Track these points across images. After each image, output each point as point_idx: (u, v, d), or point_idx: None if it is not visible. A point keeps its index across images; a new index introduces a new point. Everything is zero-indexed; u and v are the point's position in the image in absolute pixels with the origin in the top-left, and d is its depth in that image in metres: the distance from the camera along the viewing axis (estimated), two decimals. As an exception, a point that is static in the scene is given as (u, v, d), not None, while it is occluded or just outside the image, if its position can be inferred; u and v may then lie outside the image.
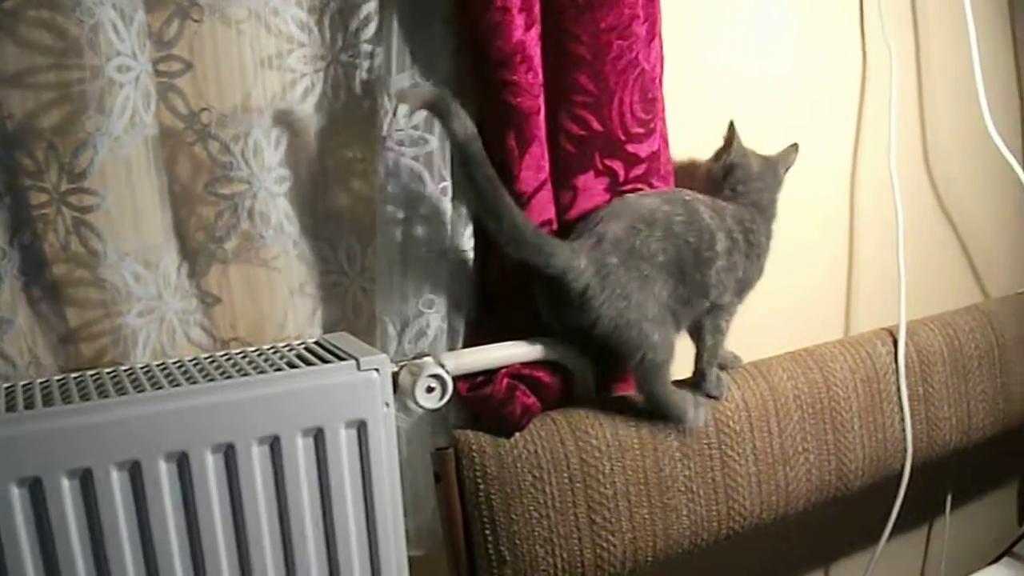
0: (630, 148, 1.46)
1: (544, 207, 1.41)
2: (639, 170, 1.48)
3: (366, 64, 1.36)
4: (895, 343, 1.83)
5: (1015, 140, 2.22)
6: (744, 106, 1.78)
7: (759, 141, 1.79)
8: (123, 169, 1.24)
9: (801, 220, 1.90)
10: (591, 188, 1.45)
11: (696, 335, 1.57)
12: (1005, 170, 2.04)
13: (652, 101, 1.48)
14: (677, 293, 1.44)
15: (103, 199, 1.22)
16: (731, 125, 1.61)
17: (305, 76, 1.34)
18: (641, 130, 1.46)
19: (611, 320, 1.39)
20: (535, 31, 1.35)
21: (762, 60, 1.81)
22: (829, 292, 2.00)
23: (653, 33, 1.47)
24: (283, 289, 1.37)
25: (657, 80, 1.49)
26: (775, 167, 1.64)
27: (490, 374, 1.42)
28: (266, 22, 1.29)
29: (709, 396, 1.57)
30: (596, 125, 1.43)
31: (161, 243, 1.30)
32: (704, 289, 1.47)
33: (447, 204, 1.39)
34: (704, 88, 1.74)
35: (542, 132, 1.39)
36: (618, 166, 1.46)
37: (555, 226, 1.43)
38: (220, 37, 1.27)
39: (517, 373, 1.43)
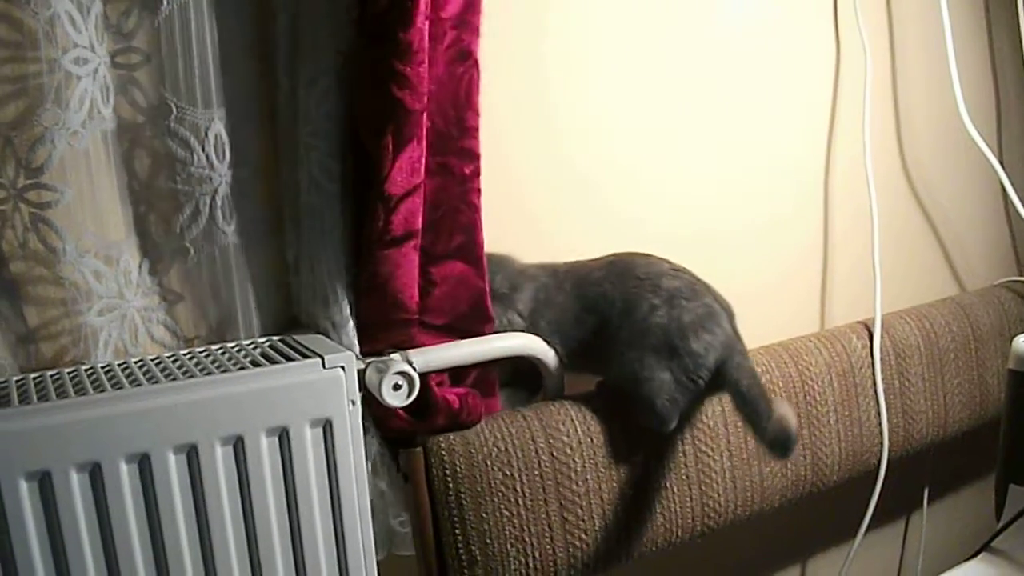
0: (465, 144, 1.37)
1: (412, 214, 1.32)
2: (480, 167, 1.40)
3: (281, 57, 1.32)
4: (870, 336, 1.82)
5: (990, 132, 2.22)
6: (713, 101, 1.77)
7: (730, 138, 1.79)
8: (82, 164, 1.21)
9: (775, 214, 1.89)
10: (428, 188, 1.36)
11: None
12: (980, 162, 2.04)
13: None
14: None
15: (62, 195, 1.20)
16: None
17: (259, 69, 1.32)
18: (477, 124, 1.38)
19: None
20: (427, 24, 1.28)
21: (733, 53, 1.79)
22: (804, 286, 1.99)
23: (479, 22, 1.38)
24: (247, 285, 1.34)
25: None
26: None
27: (424, 400, 1.37)
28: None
29: None
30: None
31: (122, 239, 1.27)
32: None
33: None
34: (674, 79, 1.72)
35: (422, 133, 1.31)
36: (454, 163, 1.37)
37: (418, 240, 1.35)
38: (179, 29, 1.24)
39: (440, 382, 1.40)
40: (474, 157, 1.39)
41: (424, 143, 1.31)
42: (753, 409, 1.45)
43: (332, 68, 1.30)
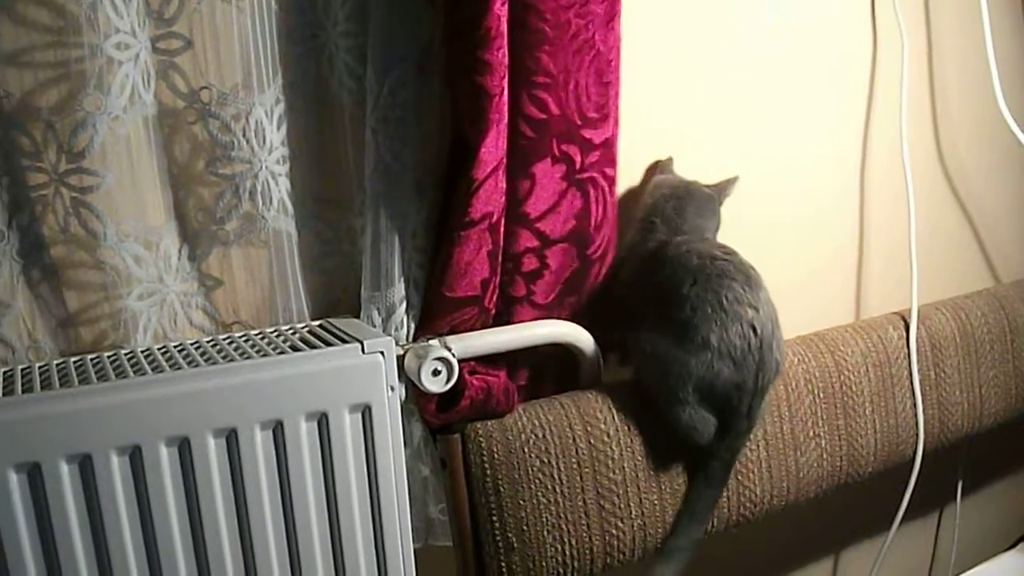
0: (585, 133, 1.40)
1: (489, 197, 1.33)
2: (594, 157, 1.42)
3: (345, 43, 1.33)
4: (907, 327, 1.81)
5: (1027, 122, 2.20)
6: (749, 89, 1.76)
7: (766, 127, 1.78)
8: (123, 149, 1.22)
9: (811, 204, 1.88)
10: (548, 176, 1.39)
11: None
12: (1018, 153, 2.03)
13: (607, 85, 1.41)
14: None
15: (103, 179, 1.20)
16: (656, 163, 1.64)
17: (306, 54, 1.32)
18: (596, 115, 1.40)
19: None
20: (506, 7, 1.29)
21: (769, 42, 1.78)
22: (840, 276, 1.98)
23: (612, 14, 1.40)
24: (286, 271, 1.34)
25: (613, 63, 1.42)
26: (712, 199, 1.61)
27: (454, 389, 1.36)
28: (266, -1, 1.27)
29: None
30: (554, 108, 1.36)
31: (161, 224, 1.28)
32: None
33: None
34: (710, 68, 1.71)
35: (501, 116, 1.32)
36: (574, 152, 1.40)
37: (495, 218, 1.35)
38: (220, 14, 1.25)
39: (472, 370, 1.40)
40: (592, 148, 1.41)
41: (504, 125, 1.32)
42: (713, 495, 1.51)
43: (410, 57, 1.30)
